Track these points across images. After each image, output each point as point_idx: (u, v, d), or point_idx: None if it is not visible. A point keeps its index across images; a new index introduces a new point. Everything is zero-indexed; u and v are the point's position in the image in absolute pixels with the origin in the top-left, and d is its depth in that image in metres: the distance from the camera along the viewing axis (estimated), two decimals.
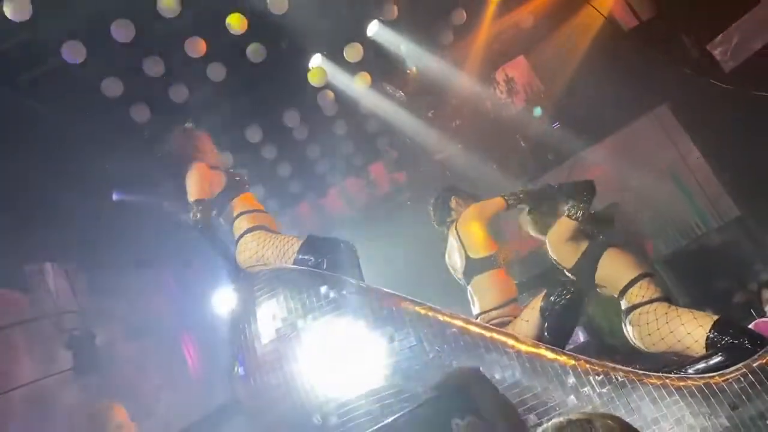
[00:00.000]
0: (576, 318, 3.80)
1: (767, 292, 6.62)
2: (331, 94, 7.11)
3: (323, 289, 3.63)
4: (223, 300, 4.08)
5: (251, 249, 3.87)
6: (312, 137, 7.51)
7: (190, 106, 6.12)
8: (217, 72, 6.13)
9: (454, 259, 4.24)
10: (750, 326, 3.80)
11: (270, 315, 3.67)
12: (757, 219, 8.37)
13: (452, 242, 4.24)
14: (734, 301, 7.79)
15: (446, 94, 8.03)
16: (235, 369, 3.78)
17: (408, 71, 7.49)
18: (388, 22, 6.72)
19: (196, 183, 3.91)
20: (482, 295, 4.05)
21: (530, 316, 3.80)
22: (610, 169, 8.94)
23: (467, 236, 4.10)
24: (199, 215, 3.79)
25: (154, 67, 5.80)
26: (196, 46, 5.88)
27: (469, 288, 4.15)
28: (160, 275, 6.38)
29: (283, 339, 3.59)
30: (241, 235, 3.92)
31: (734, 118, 7.65)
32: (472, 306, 4.15)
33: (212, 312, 6.62)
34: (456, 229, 4.18)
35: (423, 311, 3.46)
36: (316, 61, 6.77)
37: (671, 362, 3.63)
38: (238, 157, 6.85)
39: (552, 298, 3.73)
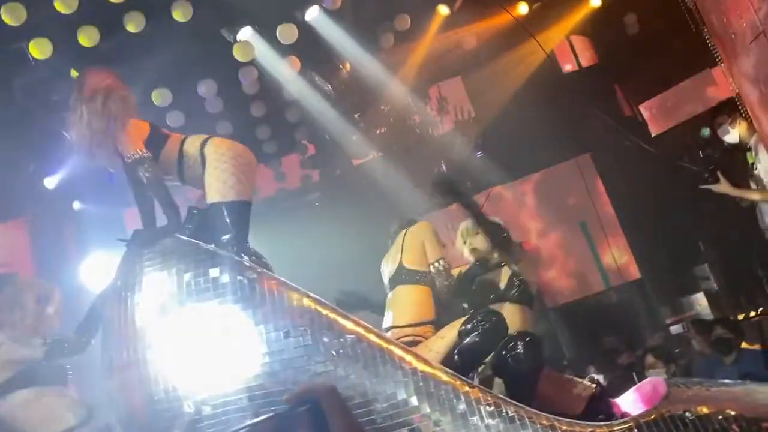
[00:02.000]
0: (490, 349, 3.93)
1: (651, 357, 7.08)
2: (254, 72, 7.05)
3: (218, 269, 3.57)
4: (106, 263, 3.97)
5: None
6: (226, 113, 7.39)
7: (99, 52, 5.91)
8: (136, 21, 5.97)
9: (387, 263, 4.42)
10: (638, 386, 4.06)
11: (158, 288, 3.55)
12: (654, 285, 8.97)
13: (395, 248, 4.42)
14: (619, 361, 8.25)
15: (376, 99, 8.16)
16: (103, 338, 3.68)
17: (341, 66, 7.56)
18: (329, 11, 6.76)
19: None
20: (400, 309, 4.19)
21: (447, 334, 3.94)
22: (523, 208, 9.35)
23: (409, 244, 4.30)
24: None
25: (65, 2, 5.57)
26: None
27: (389, 295, 4.27)
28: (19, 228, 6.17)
29: (167, 315, 3.49)
30: None
31: (651, 181, 8.21)
32: (385, 316, 4.27)
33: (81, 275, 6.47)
34: (404, 235, 4.36)
35: (324, 311, 3.47)
36: (246, 34, 6.69)
37: None
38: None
39: (473, 323, 3.87)
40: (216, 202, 3.75)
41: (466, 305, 4.47)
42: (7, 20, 5.38)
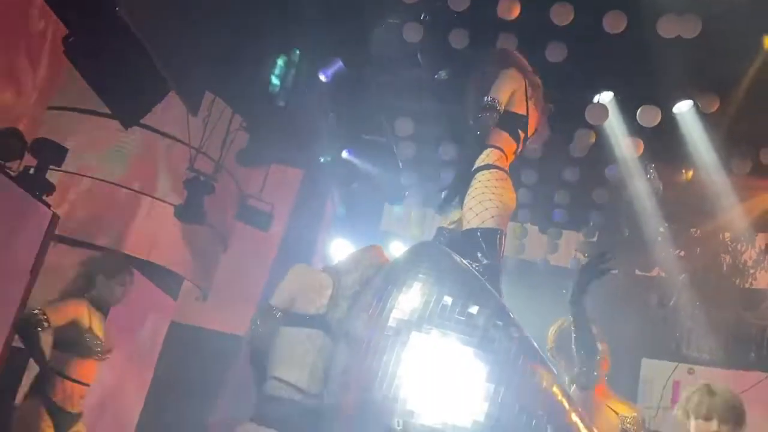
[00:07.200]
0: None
1: None
2: (592, 137, 8.37)
3: (477, 308, 4.17)
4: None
5: None
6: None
7: None
8: None
9: None
10: None
11: (415, 300, 4.21)
12: None
13: None
14: None
15: (698, 219, 9.00)
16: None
17: (683, 170, 8.61)
18: (703, 112, 7.67)
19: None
20: None
21: None
22: None
23: None
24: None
25: None
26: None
27: None
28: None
29: (414, 330, 4.13)
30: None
31: None
32: None
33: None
34: None
35: (571, 412, 3.95)
36: (606, 98, 7.95)
37: None
38: None
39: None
40: (473, 227, 4.63)
41: None
42: None
